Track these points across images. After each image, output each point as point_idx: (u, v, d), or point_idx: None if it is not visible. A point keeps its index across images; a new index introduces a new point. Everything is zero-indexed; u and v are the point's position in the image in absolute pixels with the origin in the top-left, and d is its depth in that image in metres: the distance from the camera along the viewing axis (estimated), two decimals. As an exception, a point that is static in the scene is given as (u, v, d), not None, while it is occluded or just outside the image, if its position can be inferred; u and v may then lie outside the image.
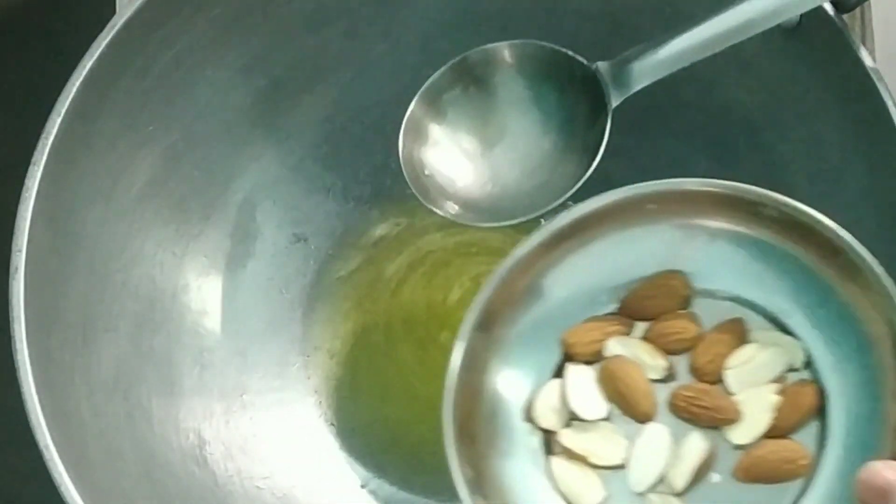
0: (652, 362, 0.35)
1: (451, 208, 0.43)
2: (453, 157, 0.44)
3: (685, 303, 0.35)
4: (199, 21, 0.43)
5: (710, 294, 0.35)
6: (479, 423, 0.34)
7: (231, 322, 0.48)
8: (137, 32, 0.41)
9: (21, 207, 0.38)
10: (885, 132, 0.39)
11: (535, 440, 0.35)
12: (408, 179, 0.43)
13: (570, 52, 0.43)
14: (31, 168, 0.38)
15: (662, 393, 0.34)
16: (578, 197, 0.39)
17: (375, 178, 0.50)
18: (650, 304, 0.35)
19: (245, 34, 0.44)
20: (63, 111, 0.39)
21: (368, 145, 0.50)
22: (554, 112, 0.44)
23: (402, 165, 0.43)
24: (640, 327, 0.35)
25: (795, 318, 0.34)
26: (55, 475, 0.36)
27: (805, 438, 0.33)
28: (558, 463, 0.34)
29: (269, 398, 0.47)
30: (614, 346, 0.35)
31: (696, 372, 0.35)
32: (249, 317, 0.48)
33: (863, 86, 0.40)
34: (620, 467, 0.34)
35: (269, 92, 0.47)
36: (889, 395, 0.32)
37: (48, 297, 0.39)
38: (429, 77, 0.45)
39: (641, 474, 0.34)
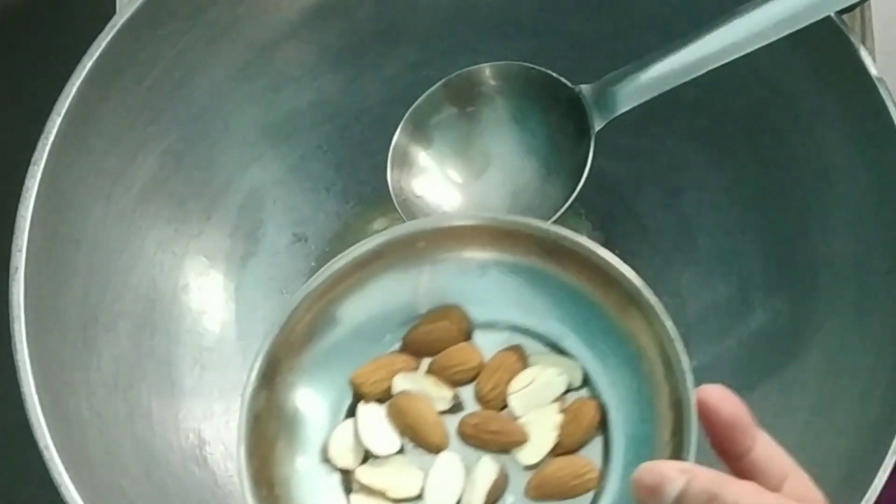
0: (438, 394, 0.36)
1: None
2: (440, 182, 0.45)
3: (465, 335, 0.36)
4: (198, 21, 0.43)
5: (487, 325, 0.36)
6: (276, 468, 0.35)
7: (231, 322, 0.48)
8: (137, 32, 0.41)
9: (21, 207, 0.38)
10: (885, 132, 0.40)
11: (334, 480, 0.35)
12: (396, 203, 0.43)
13: (554, 74, 0.43)
14: (31, 168, 0.38)
15: (452, 423, 0.35)
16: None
17: (375, 178, 0.50)
18: (431, 339, 0.37)
19: (245, 34, 0.44)
20: (63, 111, 0.39)
21: (368, 145, 0.49)
22: (539, 134, 0.45)
23: (391, 189, 0.43)
24: (425, 362, 0.37)
25: (569, 340, 0.36)
26: (55, 475, 0.36)
27: (591, 453, 0.35)
28: (358, 500, 0.35)
29: (269, 398, 0.47)
30: (401, 383, 0.36)
31: (481, 400, 0.36)
32: (249, 317, 0.48)
33: (863, 86, 0.40)
34: (418, 498, 0.35)
35: (268, 92, 0.47)
36: (663, 402, 0.33)
37: (48, 297, 0.39)
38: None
39: (438, 503, 0.35)
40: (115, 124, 0.42)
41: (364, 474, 0.35)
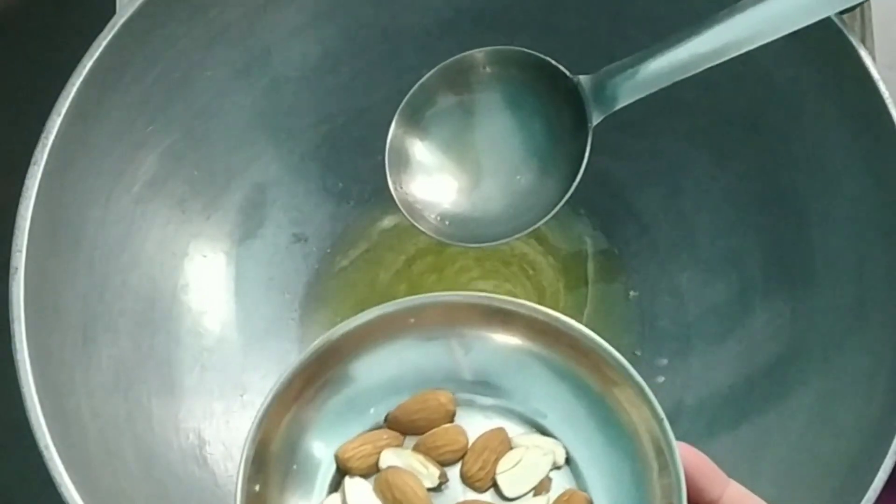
0: (426, 471, 0.36)
1: (436, 228, 0.44)
2: (438, 177, 0.44)
3: (451, 417, 0.37)
4: (198, 21, 0.43)
5: (470, 403, 0.37)
6: None
7: (231, 322, 0.48)
8: (137, 32, 0.41)
9: (21, 207, 0.38)
10: (885, 132, 0.40)
11: None
12: (396, 200, 0.43)
13: (552, 61, 0.42)
14: (31, 168, 0.38)
15: (437, 502, 0.35)
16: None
17: (375, 178, 0.50)
18: (418, 419, 0.37)
19: (245, 34, 0.44)
20: (63, 111, 0.39)
21: (368, 145, 0.49)
22: (536, 126, 0.44)
23: (391, 186, 0.43)
24: (410, 440, 0.37)
25: (550, 418, 0.36)
26: (55, 475, 0.36)
27: None
28: None
29: (269, 398, 0.47)
30: (389, 457, 0.36)
31: (468, 480, 0.36)
32: (249, 317, 0.48)
33: (862, 86, 0.40)
34: None
35: (269, 92, 0.47)
36: (653, 482, 0.33)
37: (48, 297, 0.39)
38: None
39: None
40: (115, 124, 0.42)
41: None
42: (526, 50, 0.43)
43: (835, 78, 0.41)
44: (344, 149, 0.50)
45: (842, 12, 0.39)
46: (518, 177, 0.44)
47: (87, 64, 0.39)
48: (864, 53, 0.40)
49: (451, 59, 0.44)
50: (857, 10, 0.48)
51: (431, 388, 0.36)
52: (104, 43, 0.40)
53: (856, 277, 0.42)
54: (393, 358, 0.36)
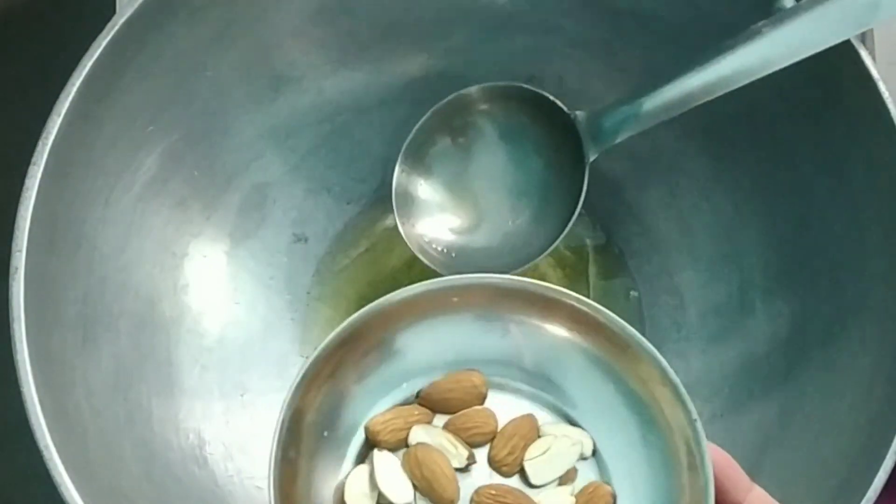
0: (454, 451, 0.36)
1: (442, 262, 0.46)
2: (442, 212, 0.46)
3: (482, 399, 0.37)
4: (198, 21, 0.43)
5: (501, 386, 0.37)
6: None
7: (231, 322, 0.48)
8: (137, 32, 0.41)
9: (21, 207, 0.38)
10: (885, 132, 0.40)
11: None
12: (402, 232, 0.45)
13: (550, 96, 0.43)
14: (31, 168, 0.38)
15: (462, 482, 0.36)
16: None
17: (375, 178, 0.50)
18: (450, 397, 0.37)
19: (245, 34, 0.44)
20: (63, 111, 0.39)
21: (368, 145, 0.50)
22: (534, 162, 0.46)
23: (399, 227, 0.45)
24: (440, 418, 0.37)
25: (581, 408, 0.36)
26: (55, 475, 0.36)
27: None
28: None
29: (269, 398, 0.47)
30: (419, 434, 0.36)
31: (496, 464, 0.36)
32: (249, 317, 0.48)
33: (862, 86, 0.40)
34: None
35: (268, 92, 0.47)
36: (681, 480, 0.34)
37: (48, 297, 0.39)
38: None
39: None
40: (115, 124, 0.42)
41: None
42: (523, 85, 0.44)
43: (835, 78, 0.41)
44: (344, 149, 0.50)
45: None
46: (518, 212, 0.46)
47: (87, 64, 0.39)
48: (864, 53, 0.40)
49: (447, 98, 0.45)
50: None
51: (466, 368, 0.37)
52: (104, 43, 0.40)
53: (856, 277, 0.42)
54: (432, 335, 0.36)
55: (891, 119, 0.39)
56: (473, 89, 0.45)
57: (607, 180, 0.50)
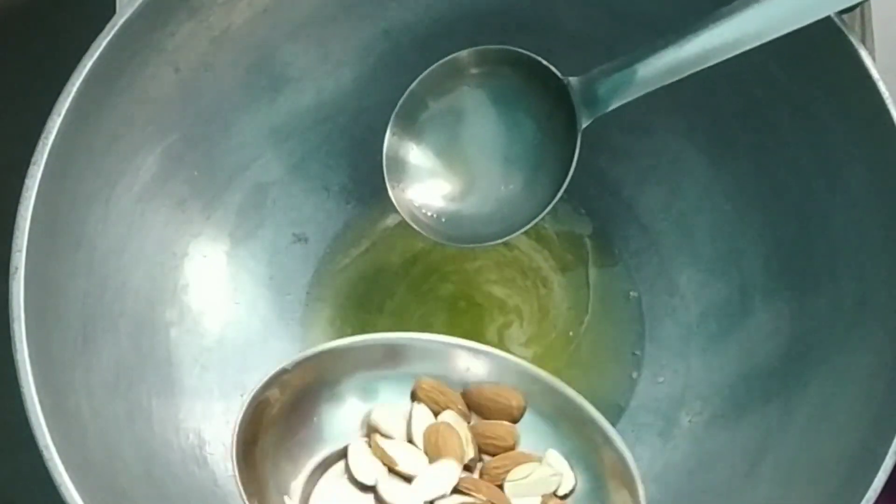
0: (465, 448, 0.41)
1: (433, 229, 0.45)
2: (433, 177, 0.46)
3: (514, 419, 0.42)
4: (199, 21, 0.43)
5: (541, 413, 0.42)
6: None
7: (231, 322, 0.48)
8: (137, 32, 0.41)
9: (21, 207, 0.38)
10: (885, 132, 0.40)
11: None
12: (392, 198, 0.45)
13: (542, 60, 0.43)
14: (31, 168, 0.38)
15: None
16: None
17: (375, 178, 0.50)
18: (488, 406, 0.42)
19: (246, 34, 0.44)
20: (63, 111, 0.39)
21: (368, 145, 0.49)
22: (526, 126, 0.45)
23: (391, 196, 0.45)
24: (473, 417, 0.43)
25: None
26: (55, 475, 0.36)
27: None
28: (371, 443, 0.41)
29: (269, 398, 0.47)
30: (448, 416, 0.42)
31: (484, 471, 0.42)
32: (249, 317, 0.48)
33: (863, 86, 0.40)
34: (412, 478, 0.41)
35: (269, 92, 0.47)
36: None
37: (48, 297, 0.39)
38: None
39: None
40: (115, 124, 0.42)
41: (381, 441, 0.41)
42: (516, 49, 0.43)
43: (835, 78, 0.41)
44: (344, 149, 0.50)
45: (841, 11, 0.39)
46: (510, 178, 0.45)
47: (87, 64, 0.39)
48: (864, 53, 0.40)
49: (440, 61, 0.44)
50: (857, 10, 0.48)
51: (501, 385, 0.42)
52: (104, 43, 0.40)
53: (856, 277, 0.42)
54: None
55: (891, 119, 0.39)
56: (465, 53, 0.44)
57: (607, 180, 0.50)
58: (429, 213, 0.45)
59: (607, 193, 0.49)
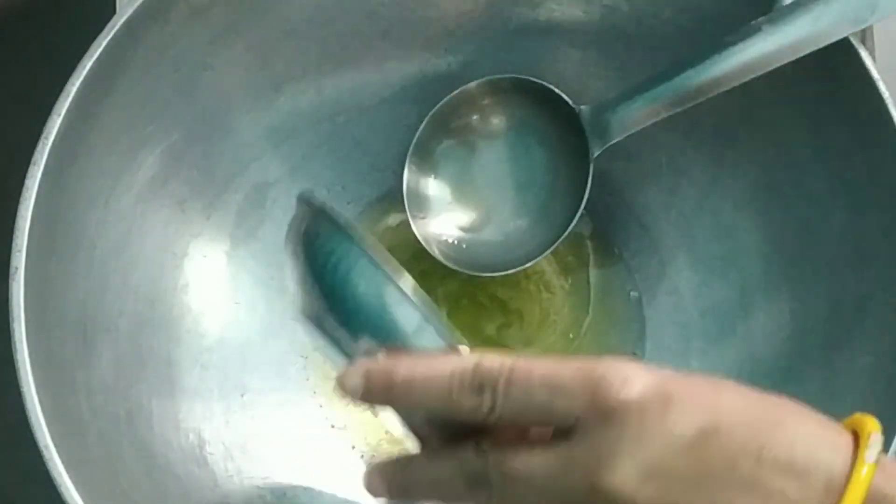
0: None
1: (454, 259, 0.47)
2: (450, 208, 0.47)
3: None
4: (198, 21, 0.43)
5: None
6: None
7: (231, 322, 0.48)
8: (137, 32, 0.41)
9: (21, 207, 0.38)
10: (885, 132, 0.40)
11: None
12: (413, 227, 0.47)
13: (556, 90, 0.43)
14: (31, 168, 0.38)
15: None
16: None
17: (375, 178, 0.50)
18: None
19: (245, 34, 0.44)
20: (63, 111, 0.39)
21: (368, 145, 0.50)
22: (540, 156, 0.46)
23: (409, 215, 0.47)
24: None
25: None
26: (55, 475, 0.36)
27: None
28: None
29: (269, 398, 0.47)
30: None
31: None
32: (249, 317, 0.48)
33: (862, 86, 0.40)
34: None
35: (269, 92, 0.47)
36: None
37: (48, 297, 0.39)
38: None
39: None
40: (115, 124, 0.42)
41: None
42: (527, 77, 0.44)
43: (835, 78, 0.41)
44: (344, 149, 0.50)
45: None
46: (526, 206, 0.47)
47: (87, 64, 0.39)
48: (864, 53, 0.40)
49: (452, 94, 0.46)
50: (857, 10, 0.48)
51: None
52: (104, 43, 0.40)
53: (856, 277, 0.42)
54: None
55: (891, 119, 0.39)
56: (476, 84, 0.45)
57: (607, 180, 0.49)
58: (449, 242, 0.47)
59: (607, 193, 0.49)
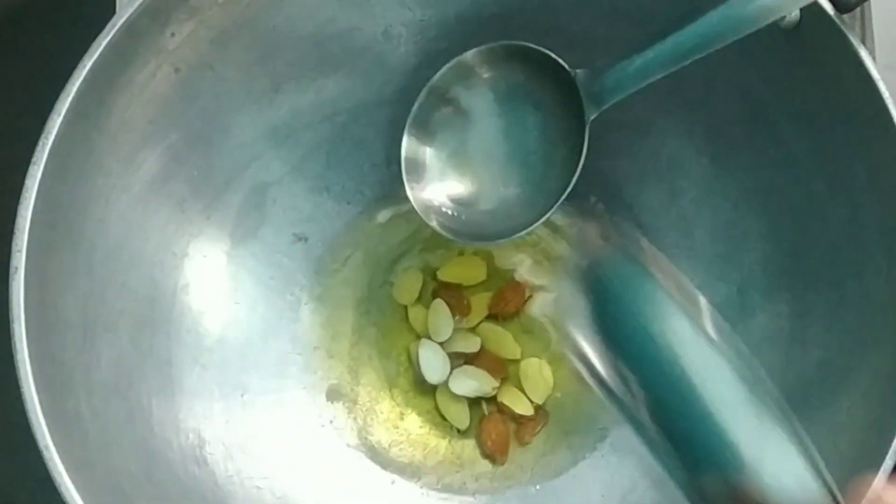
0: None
1: (451, 228, 0.46)
2: (448, 176, 0.46)
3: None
4: (198, 21, 0.43)
5: None
6: None
7: (231, 322, 0.48)
8: (137, 32, 0.41)
9: (21, 207, 0.38)
10: (885, 132, 0.40)
11: None
12: (410, 197, 0.45)
13: (552, 55, 0.43)
14: (31, 168, 0.38)
15: None
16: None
17: (375, 178, 0.50)
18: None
19: (245, 34, 0.44)
20: (63, 111, 0.39)
21: (368, 145, 0.50)
22: (537, 121, 0.45)
23: (406, 184, 0.46)
24: None
25: None
26: (55, 475, 0.36)
27: None
28: None
29: (269, 398, 0.47)
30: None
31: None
32: (249, 317, 0.48)
33: (863, 86, 0.40)
34: None
35: (269, 92, 0.47)
36: None
37: (48, 297, 0.39)
38: (426, 79, 0.45)
39: None
40: (116, 124, 0.42)
41: None
42: (523, 43, 0.44)
43: (835, 78, 0.41)
44: (344, 148, 0.50)
45: (842, 11, 0.39)
46: (523, 173, 0.46)
47: (87, 64, 0.39)
48: (864, 53, 0.40)
49: (448, 64, 0.45)
50: (857, 10, 0.48)
51: None
52: (104, 43, 0.40)
53: (856, 277, 0.42)
54: None
55: (891, 119, 0.39)
56: (472, 52, 0.45)
57: (607, 180, 0.49)
58: (446, 212, 0.46)
59: (607, 193, 0.49)
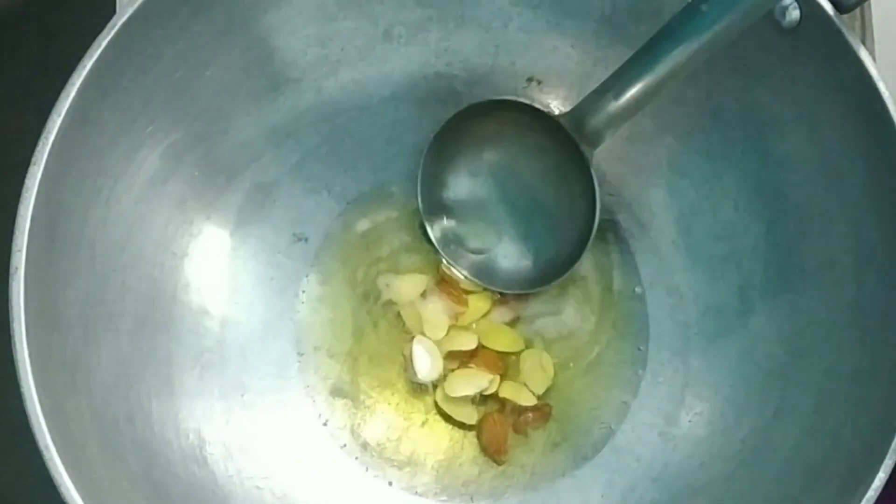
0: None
1: (476, 272, 0.49)
2: (462, 238, 0.49)
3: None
4: (198, 21, 0.43)
5: None
6: None
7: (231, 322, 0.48)
8: (137, 32, 0.41)
9: (21, 207, 0.38)
10: (885, 132, 0.40)
11: None
12: (434, 242, 0.49)
13: (536, 105, 0.45)
14: (31, 168, 0.38)
15: None
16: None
17: (375, 178, 0.50)
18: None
19: (245, 34, 0.44)
20: (63, 111, 0.39)
21: (368, 145, 0.50)
22: (542, 174, 0.47)
23: (429, 232, 0.49)
24: None
25: None
26: (55, 475, 0.36)
27: None
28: None
29: (269, 398, 0.47)
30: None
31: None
32: (249, 317, 0.48)
33: (863, 86, 0.40)
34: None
35: (269, 92, 0.47)
36: None
37: (48, 297, 0.39)
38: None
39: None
40: (115, 124, 0.42)
41: None
42: (507, 98, 0.45)
43: (835, 78, 0.41)
44: (344, 149, 0.50)
45: (842, 11, 0.39)
46: (537, 231, 0.48)
47: (87, 64, 0.39)
48: (864, 53, 0.40)
49: (441, 126, 0.47)
50: (857, 10, 0.48)
51: None
52: (104, 43, 0.40)
53: (856, 277, 0.42)
54: None
55: (891, 119, 0.39)
56: (463, 111, 0.46)
57: (607, 180, 0.49)
58: (469, 259, 0.49)
59: (607, 193, 0.49)
